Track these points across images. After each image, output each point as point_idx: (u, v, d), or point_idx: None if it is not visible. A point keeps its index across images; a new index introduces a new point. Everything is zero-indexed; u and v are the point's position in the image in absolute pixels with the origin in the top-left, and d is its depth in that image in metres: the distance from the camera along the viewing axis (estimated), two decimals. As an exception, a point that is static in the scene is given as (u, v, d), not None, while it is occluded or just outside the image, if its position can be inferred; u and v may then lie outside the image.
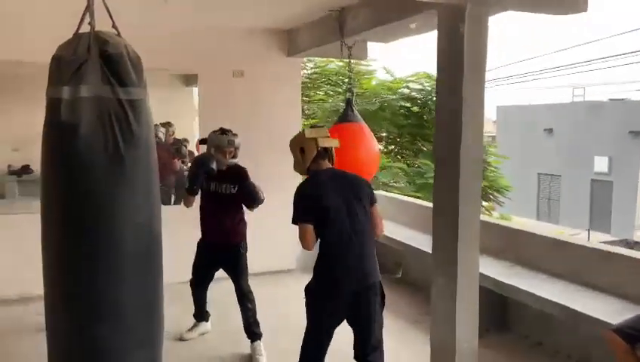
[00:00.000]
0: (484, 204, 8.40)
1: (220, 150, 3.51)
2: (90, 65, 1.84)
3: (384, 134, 8.03)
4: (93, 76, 1.84)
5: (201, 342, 3.82)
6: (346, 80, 8.25)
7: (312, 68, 8.49)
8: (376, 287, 2.66)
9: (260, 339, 3.56)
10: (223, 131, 3.60)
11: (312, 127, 2.79)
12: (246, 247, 3.65)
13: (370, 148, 4.06)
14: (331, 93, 8.59)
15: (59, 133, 1.82)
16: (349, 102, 4.05)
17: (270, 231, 5.16)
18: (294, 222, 2.67)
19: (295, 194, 2.73)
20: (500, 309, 3.88)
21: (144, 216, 1.97)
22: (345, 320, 2.68)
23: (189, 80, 5.72)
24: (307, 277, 4.91)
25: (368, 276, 2.63)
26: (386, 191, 6.84)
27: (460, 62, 2.73)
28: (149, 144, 1.99)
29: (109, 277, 1.88)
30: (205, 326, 3.92)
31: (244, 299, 3.54)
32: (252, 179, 4.35)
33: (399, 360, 3.40)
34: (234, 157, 3.58)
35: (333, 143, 2.84)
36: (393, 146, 8.49)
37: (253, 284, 3.66)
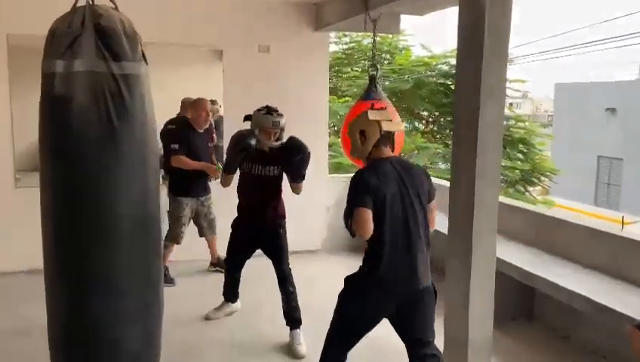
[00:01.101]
0: (529, 188, 8.13)
1: (264, 131, 3.35)
2: (85, 39, 1.91)
3: (424, 113, 7.87)
4: (88, 50, 1.91)
5: (225, 323, 3.81)
6: (379, 55, 8.22)
7: (347, 43, 8.38)
8: (430, 291, 2.52)
9: (299, 327, 3.44)
10: (269, 110, 3.43)
11: (373, 108, 2.53)
12: (285, 228, 3.60)
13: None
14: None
15: (53, 106, 1.91)
16: (372, 79, 3.98)
17: (297, 211, 5.21)
18: (351, 210, 2.45)
19: (353, 182, 2.50)
20: (528, 298, 3.77)
21: (138, 190, 2.04)
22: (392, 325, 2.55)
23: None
24: (332, 259, 5.03)
25: (420, 279, 2.48)
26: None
27: (480, 31, 2.61)
28: (145, 118, 2.04)
29: (101, 250, 1.96)
30: (233, 306, 3.91)
31: (286, 282, 3.47)
32: None
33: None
34: (278, 139, 3.44)
35: (397, 128, 2.65)
36: (432, 126, 8.31)
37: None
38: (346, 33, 8.13)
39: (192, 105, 4.34)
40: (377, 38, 4.27)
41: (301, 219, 5.23)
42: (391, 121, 2.65)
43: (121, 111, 1.94)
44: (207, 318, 3.81)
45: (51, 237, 1.98)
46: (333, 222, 5.40)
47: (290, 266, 3.56)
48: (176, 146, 4.14)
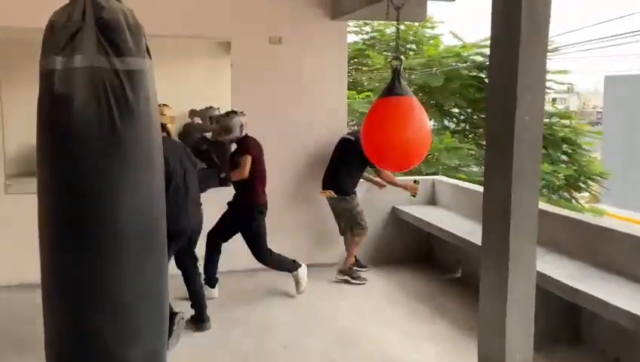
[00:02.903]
0: (575, 194, 8.06)
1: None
2: (85, 33, 1.98)
3: (455, 110, 7.87)
4: (88, 45, 1.98)
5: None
6: (403, 45, 8.23)
7: (368, 32, 8.43)
8: None
9: None
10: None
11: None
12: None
13: (421, 127, 4.01)
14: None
15: (51, 105, 1.98)
16: (395, 72, 4.01)
17: (311, 220, 5.29)
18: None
19: None
20: (573, 317, 3.75)
21: (142, 194, 2.10)
22: None
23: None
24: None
25: None
26: (453, 176, 6.73)
27: (516, 15, 2.64)
28: (150, 117, 2.11)
29: (100, 260, 2.03)
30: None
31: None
32: (294, 158, 5.13)
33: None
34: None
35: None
36: (463, 124, 8.31)
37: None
38: (367, 22, 8.18)
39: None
40: (401, 27, 4.32)
41: (319, 231, 5.36)
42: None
43: (124, 110, 2.01)
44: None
45: (48, 247, 2.05)
46: (353, 231, 5.43)
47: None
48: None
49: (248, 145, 4.38)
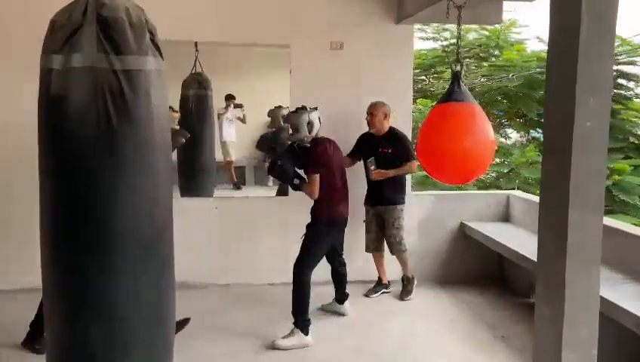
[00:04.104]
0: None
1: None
2: (86, 32, 1.93)
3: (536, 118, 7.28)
4: (88, 43, 1.92)
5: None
6: (486, 49, 7.74)
7: (447, 38, 8.07)
8: None
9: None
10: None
11: None
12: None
13: (482, 136, 3.67)
14: (473, 68, 8.07)
15: (49, 105, 1.94)
16: (455, 77, 3.70)
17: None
18: None
19: None
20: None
21: (142, 200, 2.00)
22: None
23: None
24: (417, 290, 4.74)
25: None
26: (534, 193, 6.18)
27: (576, 8, 2.29)
28: (151, 119, 2.01)
29: (92, 268, 1.95)
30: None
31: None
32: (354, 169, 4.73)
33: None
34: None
35: None
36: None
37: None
38: (446, 27, 7.83)
39: None
40: (462, 30, 3.95)
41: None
42: None
43: (121, 110, 1.93)
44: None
45: (47, 254, 2.01)
46: (417, 247, 5.12)
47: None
48: None
49: (317, 157, 3.85)
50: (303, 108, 3.93)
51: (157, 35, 2.12)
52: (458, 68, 3.69)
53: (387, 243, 4.70)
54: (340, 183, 3.96)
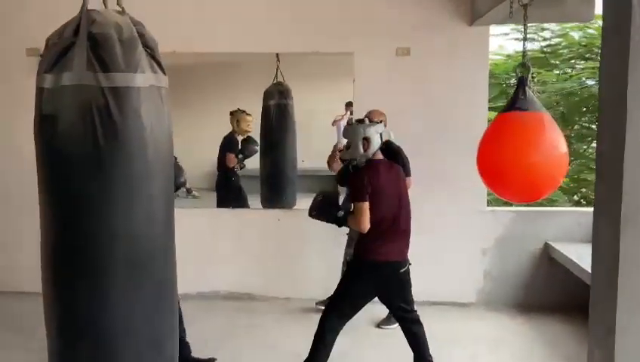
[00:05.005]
0: None
1: None
2: (77, 50, 1.92)
3: None
4: (79, 61, 1.92)
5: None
6: (590, 49, 6.98)
7: (547, 39, 7.45)
8: None
9: None
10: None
11: None
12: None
13: (552, 149, 3.27)
14: (577, 70, 7.39)
15: (41, 125, 1.97)
16: (520, 82, 3.34)
17: (442, 252, 4.73)
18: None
19: None
20: None
21: (134, 223, 1.97)
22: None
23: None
24: (489, 317, 4.38)
25: None
26: None
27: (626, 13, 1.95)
28: (142, 137, 1.97)
29: (78, 293, 1.94)
30: None
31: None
32: (423, 181, 4.34)
33: None
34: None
35: None
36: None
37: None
38: (545, 26, 7.23)
39: None
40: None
41: (448, 263, 4.74)
42: None
43: (108, 129, 1.90)
44: None
45: (42, 268, 2.04)
46: (492, 268, 4.75)
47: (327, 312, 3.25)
48: None
49: (358, 183, 3.17)
50: (361, 120, 3.36)
51: (157, 50, 2.10)
52: (522, 72, 3.34)
53: None
54: (391, 216, 3.20)
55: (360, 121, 3.34)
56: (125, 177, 1.96)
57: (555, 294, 4.66)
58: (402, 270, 3.22)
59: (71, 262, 1.97)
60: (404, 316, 3.32)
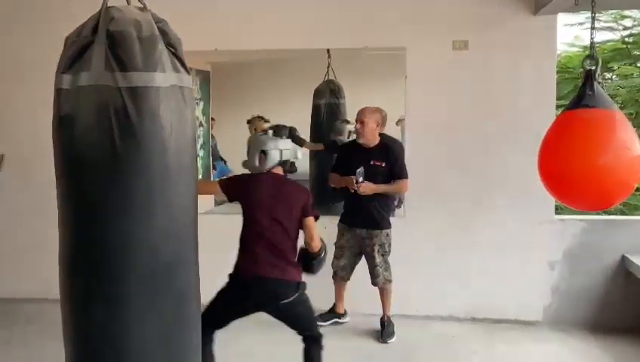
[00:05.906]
0: None
1: None
2: (95, 49, 1.90)
3: None
4: (96, 61, 1.89)
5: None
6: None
7: (628, 27, 6.98)
8: None
9: None
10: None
11: None
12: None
13: (625, 150, 3.03)
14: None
15: (59, 127, 1.95)
16: (588, 77, 3.10)
17: (506, 266, 4.50)
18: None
19: None
20: None
21: (147, 232, 1.93)
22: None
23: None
24: (556, 337, 4.13)
25: None
26: None
27: None
28: (162, 139, 1.93)
29: (100, 307, 1.92)
30: None
31: None
32: (483, 187, 4.49)
33: None
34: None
35: None
36: None
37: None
38: (626, 14, 6.78)
39: None
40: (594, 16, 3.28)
41: (512, 277, 4.48)
42: None
43: (125, 130, 1.87)
44: None
45: (60, 281, 2.03)
46: (561, 283, 4.47)
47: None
48: None
49: (226, 181, 3.22)
50: (266, 131, 3.14)
51: (180, 49, 2.06)
52: (590, 66, 3.10)
53: (371, 273, 4.14)
54: (254, 232, 2.95)
55: (265, 132, 3.12)
56: (143, 182, 1.93)
57: (632, 313, 4.33)
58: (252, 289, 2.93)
59: (79, 269, 1.96)
60: (303, 336, 3.04)
